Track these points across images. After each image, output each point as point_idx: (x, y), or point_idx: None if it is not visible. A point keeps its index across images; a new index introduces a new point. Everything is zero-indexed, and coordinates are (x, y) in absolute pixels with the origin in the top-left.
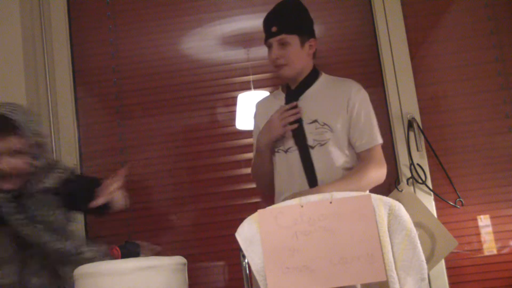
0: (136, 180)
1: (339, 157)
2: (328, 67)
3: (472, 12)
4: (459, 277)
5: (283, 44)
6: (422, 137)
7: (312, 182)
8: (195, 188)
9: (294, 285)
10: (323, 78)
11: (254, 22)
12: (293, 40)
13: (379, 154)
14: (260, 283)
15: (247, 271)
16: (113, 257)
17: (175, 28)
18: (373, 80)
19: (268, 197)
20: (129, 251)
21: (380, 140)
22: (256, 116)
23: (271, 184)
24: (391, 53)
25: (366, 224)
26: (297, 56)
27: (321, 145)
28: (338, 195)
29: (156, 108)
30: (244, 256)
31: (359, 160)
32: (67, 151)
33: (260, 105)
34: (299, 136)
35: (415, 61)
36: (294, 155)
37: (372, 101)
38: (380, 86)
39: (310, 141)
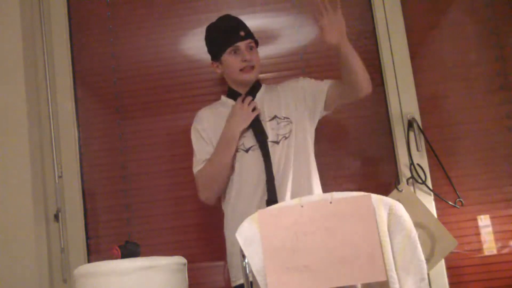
0: (136, 180)
1: (307, 146)
2: (329, 67)
3: (472, 12)
4: (459, 277)
5: (250, 48)
6: (422, 137)
7: (270, 177)
8: (195, 188)
9: (294, 285)
10: (264, 86)
11: (254, 22)
12: (255, 45)
13: None
14: (260, 283)
15: (247, 271)
16: (113, 257)
17: (175, 28)
18: (373, 80)
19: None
20: (129, 251)
21: None
22: (201, 122)
23: (222, 190)
24: (391, 53)
25: (366, 224)
26: (259, 60)
27: (286, 138)
28: (338, 195)
29: (156, 108)
30: (244, 256)
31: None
32: (67, 151)
33: (207, 113)
34: (260, 133)
35: (415, 61)
36: (257, 153)
37: (372, 101)
38: (380, 86)
39: (274, 137)
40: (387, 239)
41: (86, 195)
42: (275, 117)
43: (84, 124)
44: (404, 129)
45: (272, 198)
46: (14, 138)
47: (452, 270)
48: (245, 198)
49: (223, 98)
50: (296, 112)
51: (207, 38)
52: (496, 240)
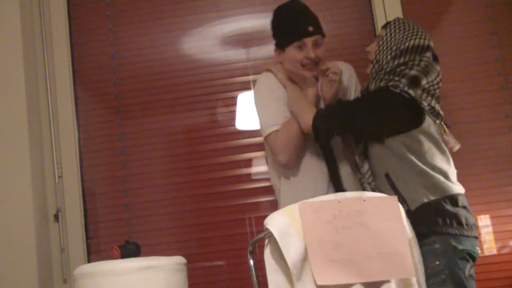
0: (136, 180)
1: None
2: None
3: (472, 12)
4: None
5: (316, 45)
6: None
7: (331, 166)
8: (195, 188)
9: (339, 277)
10: None
11: (254, 22)
12: (322, 41)
13: None
14: (294, 277)
15: (254, 271)
16: (113, 257)
17: (175, 28)
18: None
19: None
20: (129, 251)
21: None
22: (260, 86)
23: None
24: None
25: (396, 223)
26: (323, 56)
27: None
28: (369, 194)
29: (156, 108)
30: (251, 253)
31: None
32: (67, 151)
33: (266, 79)
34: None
35: None
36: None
37: None
38: None
39: None
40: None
41: (86, 195)
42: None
43: (84, 124)
44: None
45: (338, 189)
46: (14, 138)
47: None
48: (306, 180)
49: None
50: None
51: (273, 24)
52: (496, 240)
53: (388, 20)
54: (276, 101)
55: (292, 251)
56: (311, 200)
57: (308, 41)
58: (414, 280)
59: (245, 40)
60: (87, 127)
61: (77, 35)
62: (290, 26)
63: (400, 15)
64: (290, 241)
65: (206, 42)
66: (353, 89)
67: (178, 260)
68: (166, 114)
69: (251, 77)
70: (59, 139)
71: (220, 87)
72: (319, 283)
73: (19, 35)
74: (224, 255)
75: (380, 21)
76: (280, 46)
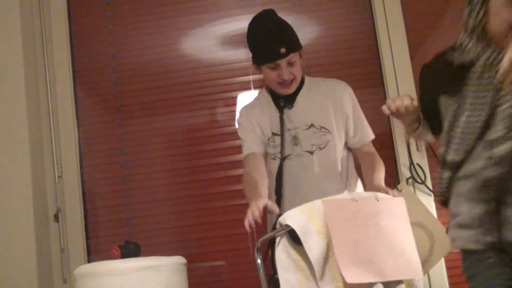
0: (136, 180)
1: (339, 158)
2: (329, 67)
3: None
4: (459, 277)
5: (291, 64)
6: None
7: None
8: (195, 188)
9: (364, 276)
10: (307, 80)
11: None
12: (297, 57)
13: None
14: (318, 273)
15: (262, 270)
16: (113, 257)
17: (175, 28)
18: (373, 80)
19: None
20: (129, 251)
21: (373, 135)
22: (241, 116)
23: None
24: (391, 53)
25: (403, 225)
26: (300, 71)
27: (321, 148)
28: (381, 195)
29: (156, 108)
30: (258, 250)
31: (361, 152)
32: (67, 151)
33: (247, 110)
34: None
35: (415, 61)
36: (294, 162)
37: (372, 101)
38: (380, 86)
39: (308, 147)
40: None
41: (86, 195)
42: (311, 125)
43: (84, 124)
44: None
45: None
46: (14, 138)
47: (452, 270)
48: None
49: (265, 92)
50: (335, 121)
51: (248, 40)
52: None
53: (388, 20)
54: (242, 128)
55: (313, 249)
56: (330, 198)
57: (282, 62)
58: (419, 280)
59: (245, 40)
60: (87, 127)
61: (77, 35)
62: (263, 48)
63: (400, 15)
64: (311, 239)
65: (206, 42)
66: (351, 110)
67: (178, 260)
68: (166, 114)
69: (251, 77)
70: (59, 139)
71: (220, 87)
72: (348, 281)
73: (19, 35)
74: (224, 255)
75: (380, 21)
76: (256, 63)
